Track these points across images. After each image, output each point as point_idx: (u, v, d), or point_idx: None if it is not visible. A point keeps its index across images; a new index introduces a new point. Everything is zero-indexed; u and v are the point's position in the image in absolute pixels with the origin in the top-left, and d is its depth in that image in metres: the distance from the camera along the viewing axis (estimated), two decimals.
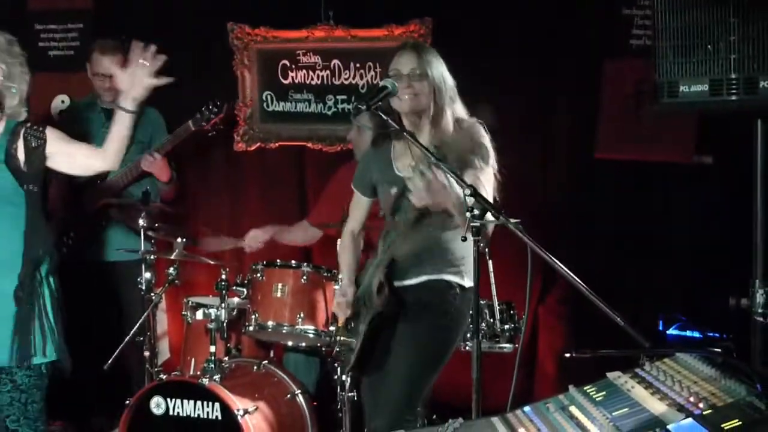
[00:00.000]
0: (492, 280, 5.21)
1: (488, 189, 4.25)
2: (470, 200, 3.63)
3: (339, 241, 4.77)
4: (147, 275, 5.87)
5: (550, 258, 3.43)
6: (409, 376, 4.37)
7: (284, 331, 5.47)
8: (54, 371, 4.48)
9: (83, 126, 6.41)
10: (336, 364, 5.59)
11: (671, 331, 5.63)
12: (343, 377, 5.52)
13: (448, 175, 3.78)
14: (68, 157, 4.48)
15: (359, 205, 4.61)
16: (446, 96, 4.37)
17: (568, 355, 3.13)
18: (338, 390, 5.55)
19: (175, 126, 6.14)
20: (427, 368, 4.42)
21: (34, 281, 4.37)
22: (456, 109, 4.41)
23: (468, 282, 4.39)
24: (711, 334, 5.44)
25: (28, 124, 4.41)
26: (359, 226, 4.64)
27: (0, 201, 4.32)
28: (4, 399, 4.35)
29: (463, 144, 4.30)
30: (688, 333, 5.59)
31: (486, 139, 4.38)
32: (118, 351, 5.68)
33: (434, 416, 5.46)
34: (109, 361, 5.54)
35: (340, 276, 4.62)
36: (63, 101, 7.06)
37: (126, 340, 5.73)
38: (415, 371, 4.39)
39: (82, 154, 4.53)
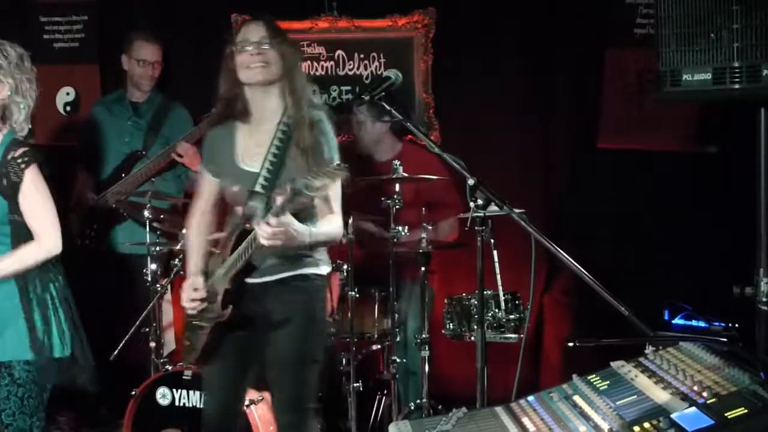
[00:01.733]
0: (497, 270, 5.18)
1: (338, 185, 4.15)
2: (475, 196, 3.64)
3: (186, 225, 4.52)
4: (152, 266, 5.91)
5: (554, 248, 3.43)
6: (305, 380, 4.21)
7: None
8: (72, 366, 4.50)
9: (111, 120, 6.45)
10: (341, 355, 5.61)
11: (677, 321, 5.62)
12: (349, 368, 5.55)
13: (453, 164, 3.76)
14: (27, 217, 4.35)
15: (209, 186, 4.33)
16: (299, 70, 4.29)
17: (571, 344, 3.14)
18: (343, 380, 5.57)
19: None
20: (313, 364, 4.24)
21: (43, 281, 4.38)
22: (308, 92, 4.28)
23: (324, 269, 4.31)
24: (717, 323, 5.43)
25: (16, 153, 4.29)
26: (208, 206, 4.34)
27: None
28: (2, 392, 4.35)
29: (312, 130, 4.16)
30: (694, 322, 5.58)
31: (332, 132, 4.26)
32: (123, 342, 5.69)
33: (440, 407, 5.47)
34: (115, 352, 5.56)
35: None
36: (68, 93, 7.07)
37: (131, 331, 5.74)
38: (309, 372, 4.22)
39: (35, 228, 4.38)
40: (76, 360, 4.46)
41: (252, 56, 4.12)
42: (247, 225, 4.03)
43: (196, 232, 4.36)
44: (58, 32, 7.25)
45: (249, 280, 4.17)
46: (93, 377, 4.55)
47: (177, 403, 5.33)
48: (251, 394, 5.20)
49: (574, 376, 2.96)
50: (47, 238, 4.30)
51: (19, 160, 4.24)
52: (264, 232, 3.76)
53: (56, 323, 4.38)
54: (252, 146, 4.21)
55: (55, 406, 4.64)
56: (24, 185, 4.24)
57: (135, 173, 6.31)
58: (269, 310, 4.19)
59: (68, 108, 7.10)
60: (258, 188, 4.11)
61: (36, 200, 4.28)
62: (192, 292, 4.17)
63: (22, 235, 4.32)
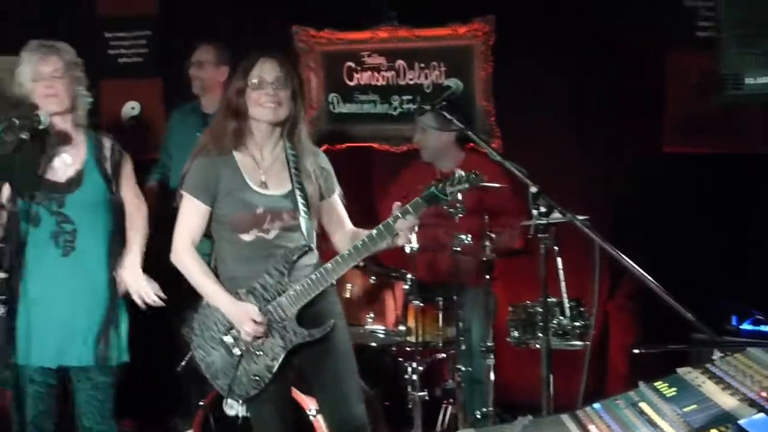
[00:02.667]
0: (561, 277, 5.18)
1: None
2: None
3: (178, 259, 4.31)
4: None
5: (618, 254, 3.42)
6: (353, 370, 4.34)
7: (354, 332, 5.48)
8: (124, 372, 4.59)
9: (183, 128, 6.52)
10: (406, 364, 5.62)
11: (745, 326, 5.56)
12: (414, 377, 5.55)
13: (515, 171, 3.77)
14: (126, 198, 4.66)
15: (200, 214, 4.27)
16: (301, 105, 4.37)
17: (637, 350, 3.13)
18: (409, 389, 5.58)
19: None
20: (354, 363, 4.37)
21: (108, 289, 4.50)
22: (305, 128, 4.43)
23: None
24: None
25: (112, 139, 4.59)
26: (199, 236, 4.31)
27: (95, 205, 4.45)
28: (80, 397, 4.45)
29: (316, 158, 4.39)
30: (763, 328, 5.52)
31: (331, 167, 4.50)
32: (191, 352, 5.73)
33: (505, 415, 5.46)
34: (182, 363, 5.60)
35: (212, 296, 4.28)
36: (133, 107, 7.16)
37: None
38: (352, 361, 4.35)
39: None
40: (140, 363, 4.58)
41: (267, 95, 4.20)
42: (310, 245, 4.23)
43: (199, 262, 4.30)
44: (122, 47, 7.35)
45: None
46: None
47: (244, 414, 5.36)
48: (317, 404, 5.22)
49: (641, 383, 2.94)
50: (143, 206, 4.74)
51: (117, 146, 4.68)
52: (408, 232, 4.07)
53: (126, 329, 4.51)
54: (255, 172, 4.29)
55: (120, 415, 4.71)
56: (126, 166, 4.68)
57: None
58: (316, 312, 4.27)
59: (133, 121, 7.19)
60: (302, 211, 4.24)
61: (132, 178, 4.72)
62: (253, 324, 4.16)
63: (117, 212, 4.56)
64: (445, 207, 4.18)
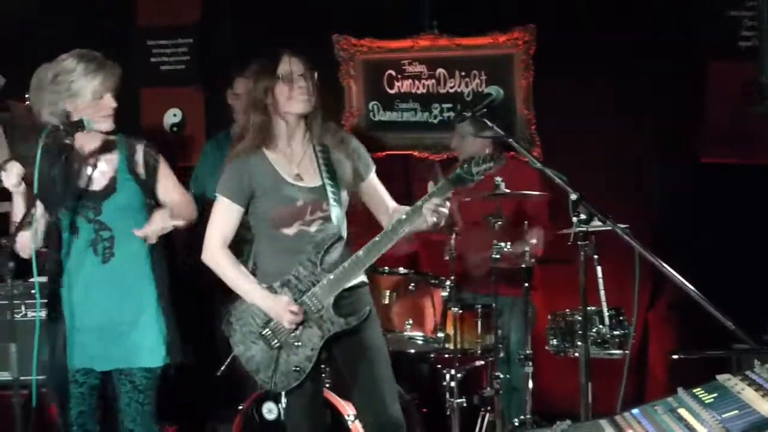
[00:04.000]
0: (601, 285, 5.17)
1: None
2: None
3: (211, 258, 4.35)
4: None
5: (659, 262, 3.42)
6: (389, 370, 4.32)
7: (393, 338, 5.50)
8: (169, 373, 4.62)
9: (218, 153, 6.57)
10: (444, 371, 5.62)
11: None
12: (452, 384, 5.57)
13: (556, 179, 3.78)
14: (167, 193, 4.65)
15: (232, 214, 4.32)
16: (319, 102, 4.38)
17: (675, 356, 3.12)
18: (447, 396, 5.59)
19: None
20: (389, 363, 4.35)
21: (164, 289, 4.55)
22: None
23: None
24: None
25: (145, 142, 4.60)
26: (231, 235, 4.35)
27: (131, 210, 4.49)
28: (123, 400, 4.50)
29: (348, 149, 4.39)
30: None
31: (364, 149, 4.48)
32: (231, 357, 5.77)
33: (543, 422, 5.46)
34: (222, 367, 5.63)
35: (253, 292, 4.29)
36: (175, 115, 7.21)
37: None
38: (387, 362, 4.33)
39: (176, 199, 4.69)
40: (179, 367, 4.60)
41: (300, 87, 4.24)
42: (341, 235, 4.26)
43: (233, 260, 4.34)
44: (164, 55, 7.41)
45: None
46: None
47: (283, 418, 5.38)
48: (355, 409, 5.24)
49: (680, 389, 2.94)
50: (191, 201, 4.71)
51: (150, 149, 4.61)
52: (444, 208, 4.05)
53: (171, 329, 4.54)
54: (288, 166, 4.32)
55: (164, 418, 4.74)
56: (161, 166, 4.61)
57: None
58: (350, 306, 4.27)
59: (175, 129, 7.24)
60: (332, 201, 4.25)
61: (171, 178, 4.66)
62: (291, 315, 4.19)
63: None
64: (470, 186, 4.15)
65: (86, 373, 4.51)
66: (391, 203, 4.45)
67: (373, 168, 4.46)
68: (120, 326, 4.47)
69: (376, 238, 4.15)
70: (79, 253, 4.48)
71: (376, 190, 4.46)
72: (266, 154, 4.30)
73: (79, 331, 4.47)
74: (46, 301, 4.59)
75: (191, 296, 6.29)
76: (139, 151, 4.56)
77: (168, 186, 4.63)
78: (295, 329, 4.21)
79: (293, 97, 4.23)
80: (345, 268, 4.17)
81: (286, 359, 4.23)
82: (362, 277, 4.36)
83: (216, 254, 4.32)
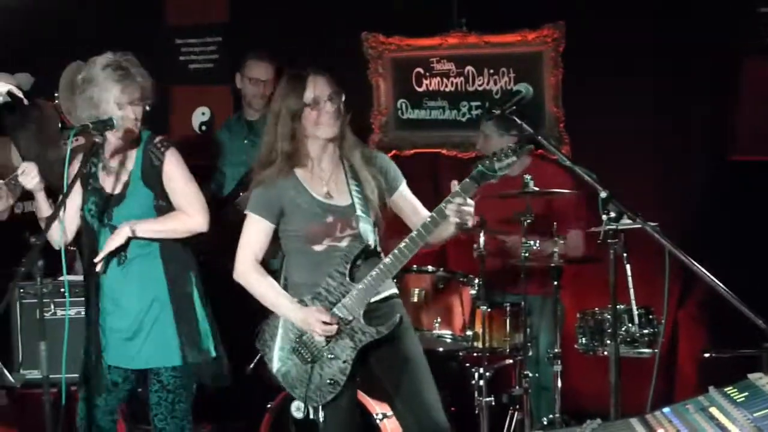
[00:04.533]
0: (630, 284, 5.15)
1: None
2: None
3: (242, 275, 4.37)
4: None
5: (689, 260, 3.40)
6: (430, 376, 4.32)
7: (421, 336, 5.49)
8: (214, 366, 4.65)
9: (231, 138, 6.58)
10: (473, 370, 5.61)
11: None
12: (481, 383, 5.55)
13: (585, 177, 3.76)
14: (173, 194, 4.59)
15: (263, 232, 4.32)
16: (347, 119, 4.35)
17: (707, 354, 3.10)
18: (475, 394, 5.57)
19: None
20: (428, 369, 4.35)
21: (184, 289, 4.54)
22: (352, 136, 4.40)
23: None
24: None
25: (155, 140, 4.55)
26: (261, 253, 4.35)
27: (142, 216, 4.48)
28: (152, 399, 4.52)
29: (375, 167, 4.37)
30: None
31: (391, 161, 4.50)
32: (259, 355, 5.77)
33: (572, 422, 5.44)
34: (251, 365, 5.64)
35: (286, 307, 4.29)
36: (203, 113, 7.23)
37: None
38: (428, 370, 4.33)
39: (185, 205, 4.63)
40: (220, 359, 4.61)
41: (326, 113, 4.21)
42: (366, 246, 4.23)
43: (264, 276, 4.33)
44: (193, 53, 7.44)
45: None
46: (227, 376, 4.67)
47: (311, 416, 5.38)
48: (383, 407, 5.24)
49: (711, 388, 2.92)
50: (195, 213, 4.55)
51: (158, 145, 4.53)
52: (467, 207, 4.04)
53: (201, 324, 4.54)
54: (319, 184, 4.31)
55: (198, 417, 4.77)
56: (166, 166, 4.52)
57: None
58: (383, 322, 4.24)
59: (203, 127, 7.27)
60: (361, 213, 4.24)
61: (179, 179, 4.55)
62: (323, 326, 4.16)
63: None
64: (494, 182, 4.13)
65: (113, 370, 4.54)
66: (424, 212, 4.38)
67: (403, 181, 4.44)
68: (141, 327, 4.49)
69: (402, 244, 4.14)
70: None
71: (408, 201, 4.44)
72: (296, 174, 4.29)
73: (105, 330, 4.50)
74: (76, 299, 4.63)
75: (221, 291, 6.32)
76: (153, 152, 4.53)
77: (171, 186, 4.55)
78: (328, 341, 4.20)
79: (321, 122, 4.21)
80: (373, 276, 4.16)
81: (320, 372, 4.23)
82: (393, 289, 4.37)
83: (246, 272, 4.34)
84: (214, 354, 4.61)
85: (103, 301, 4.52)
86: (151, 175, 4.50)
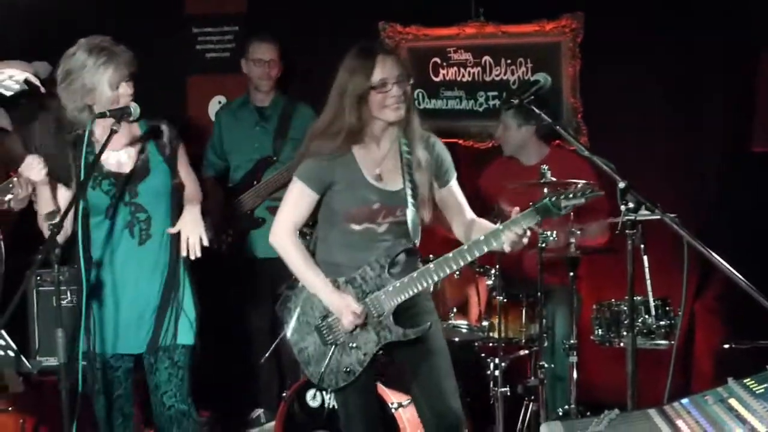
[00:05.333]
0: (647, 275, 5.14)
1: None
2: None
3: (278, 239, 4.28)
4: None
5: (708, 251, 3.38)
6: (450, 367, 4.31)
7: None
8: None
9: (237, 125, 6.58)
10: (489, 360, 5.61)
11: None
12: (496, 373, 5.55)
13: (603, 167, 3.75)
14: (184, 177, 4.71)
15: (308, 201, 4.25)
16: (413, 101, 4.34)
17: (726, 345, 3.09)
18: (491, 385, 5.57)
19: None
20: (449, 359, 4.33)
21: (179, 275, 4.57)
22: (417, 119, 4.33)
23: None
24: None
25: (167, 124, 4.64)
26: (301, 224, 4.31)
27: (164, 191, 4.53)
28: (161, 376, 4.53)
29: (428, 149, 4.31)
30: None
31: (445, 148, 4.43)
32: (274, 345, 5.80)
33: (588, 413, 5.43)
34: (266, 355, 5.65)
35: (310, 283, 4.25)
36: (220, 102, 7.22)
37: (281, 335, 5.81)
38: (449, 360, 4.32)
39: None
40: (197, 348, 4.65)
41: (393, 97, 4.12)
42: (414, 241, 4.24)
43: (301, 249, 4.28)
44: (210, 43, 7.43)
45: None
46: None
47: (327, 405, 5.40)
48: (399, 397, 5.24)
49: (730, 379, 2.91)
50: (199, 193, 4.75)
51: (173, 130, 4.68)
52: (525, 239, 3.99)
53: (196, 310, 4.58)
54: (373, 166, 4.24)
55: (200, 404, 4.78)
56: (181, 150, 4.68)
57: (269, 179, 6.39)
58: (412, 312, 4.24)
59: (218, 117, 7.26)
60: (410, 204, 4.19)
61: (186, 158, 4.72)
62: (352, 317, 4.14)
63: (178, 197, 4.63)
64: (554, 218, 4.12)
65: (120, 357, 4.55)
66: (470, 214, 4.38)
67: (455, 175, 4.39)
68: (157, 305, 4.51)
69: (449, 255, 4.09)
70: (113, 236, 4.52)
71: (455, 197, 4.40)
72: (353, 150, 4.21)
73: (112, 316, 4.50)
74: (75, 288, 4.64)
75: (233, 280, 6.33)
76: (165, 132, 4.60)
77: (183, 168, 4.68)
78: (353, 330, 4.18)
79: (387, 105, 4.12)
80: (413, 277, 4.12)
81: (338, 358, 4.21)
82: (428, 287, 4.30)
83: (284, 238, 4.26)
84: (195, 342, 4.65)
85: (113, 287, 4.51)
86: (170, 155, 4.60)
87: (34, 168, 4.41)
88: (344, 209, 4.20)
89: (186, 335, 4.54)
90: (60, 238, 4.41)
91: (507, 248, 3.99)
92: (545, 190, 5.43)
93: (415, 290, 4.13)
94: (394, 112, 4.14)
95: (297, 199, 4.25)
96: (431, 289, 4.41)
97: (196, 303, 4.60)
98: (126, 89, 4.47)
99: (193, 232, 4.48)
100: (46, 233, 4.37)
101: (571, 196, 3.94)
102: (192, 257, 4.48)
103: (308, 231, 4.47)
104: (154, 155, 4.55)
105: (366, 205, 4.18)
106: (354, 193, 4.19)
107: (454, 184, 4.39)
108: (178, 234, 4.52)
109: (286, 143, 6.46)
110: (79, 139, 4.41)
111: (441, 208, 4.39)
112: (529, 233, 4.00)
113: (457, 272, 5.56)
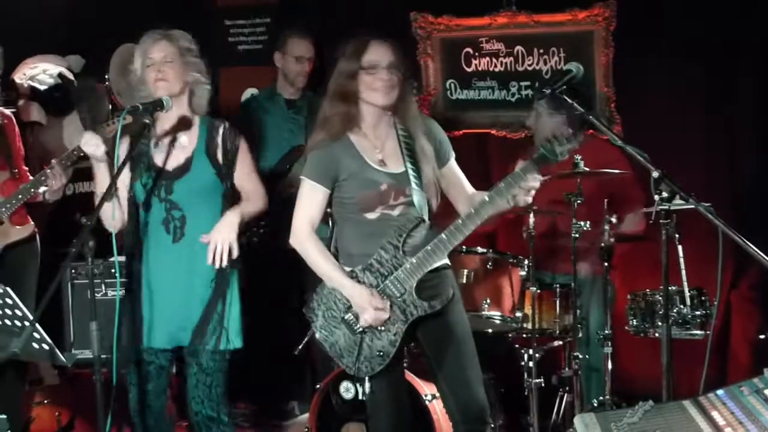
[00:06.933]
0: (682, 265, 5.10)
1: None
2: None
3: (298, 242, 4.33)
4: None
5: (743, 240, 3.36)
6: (474, 353, 4.32)
7: (470, 317, 5.47)
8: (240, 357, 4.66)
9: (266, 118, 6.59)
10: (523, 351, 5.60)
11: None
12: (530, 364, 5.54)
13: (637, 156, 3.72)
14: (242, 179, 4.67)
15: (319, 198, 4.30)
16: (411, 88, 4.37)
17: (762, 336, 3.06)
18: (525, 376, 5.56)
19: None
20: (473, 346, 4.35)
21: (225, 280, 4.55)
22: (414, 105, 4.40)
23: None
24: None
25: (227, 125, 4.60)
26: (318, 220, 4.34)
27: (203, 192, 4.51)
28: (190, 381, 4.54)
29: (428, 133, 4.35)
30: None
31: (443, 131, 4.47)
32: (308, 336, 5.79)
33: (623, 404, 5.41)
34: (299, 347, 5.65)
35: (335, 281, 4.28)
36: (252, 94, 7.24)
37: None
38: (472, 346, 4.34)
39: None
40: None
41: (381, 80, 4.20)
42: (423, 218, 4.23)
43: (320, 246, 4.32)
44: (242, 35, 7.45)
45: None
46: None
47: (360, 397, 5.40)
48: (432, 388, 5.23)
49: (766, 370, 2.89)
50: (262, 197, 4.71)
51: (232, 131, 4.63)
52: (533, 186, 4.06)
53: (238, 315, 4.56)
54: (373, 151, 4.30)
55: (235, 397, 4.78)
56: (240, 152, 4.63)
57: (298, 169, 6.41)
58: (436, 296, 4.24)
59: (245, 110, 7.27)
60: (414, 186, 4.23)
61: (250, 165, 4.68)
62: (374, 312, 4.17)
63: (228, 199, 4.62)
64: (552, 165, 4.15)
65: (155, 352, 4.56)
66: (470, 189, 4.42)
67: (453, 155, 4.44)
68: (188, 307, 4.50)
69: (459, 221, 4.13)
70: (153, 231, 4.53)
71: (455, 175, 4.44)
72: (351, 139, 4.28)
73: (149, 311, 4.51)
74: (125, 279, 4.66)
75: (269, 272, 6.33)
76: (220, 132, 4.58)
77: (243, 173, 4.64)
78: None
79: (374, 88, 4.21)
80: (428, 251, 4.15)
81: (369, 344, 4.22)
82: (445, 260, 4.33)
83: (303, 239, 4.32)
84: (241, 345, 4.62)
85: (151, 276, 4.53)
86: (224, 159, 4.57)
87: (91, 143, 4.44)
88: (355, 197, 4.26)
89: (215, 340, 4.51)
90: (115, 228, 4.45)
91: (521, 200, 4.08)
92: (578, 179, 5.42)
93: (434, 262, 4.18)
94: (382, 96, 4.22)
95: (309, 198, 4.31)
96: (451, 272, 4.42)
97: (240, 309, 4.59)
98: (151, 74, 4.50)
99: (222, 240, 4.46)
100: (105, 212, 4.44)
101: (565, 141, 4.04)
102: (216, 266, 4.48)
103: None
104: (200, 154, 4.54)
105: (374, 188, 4.23)
106: (360, 179, 4.25)
107: (453, 163, 4.45)
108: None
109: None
110: (146, 128, 4.46)
111: (444, 188, 4.42)
112: (536, 186, 4.07)
113: (490, 263, 5.57)
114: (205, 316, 4.50)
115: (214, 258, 4.43)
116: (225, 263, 4.45)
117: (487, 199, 4.08)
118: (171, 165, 4.54)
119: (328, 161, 4.26)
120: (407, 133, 4.31)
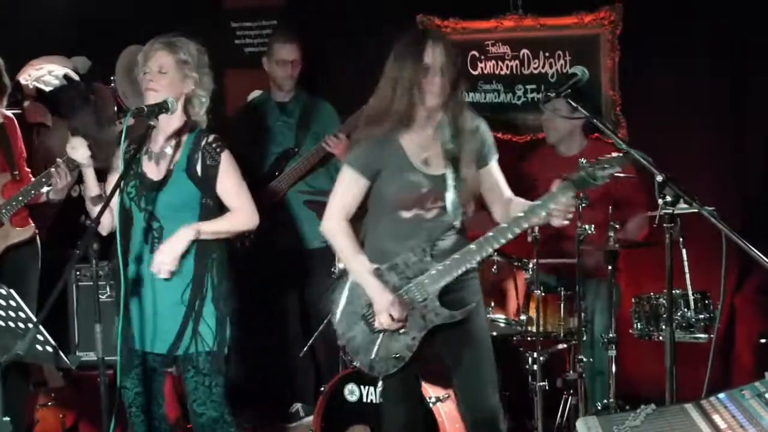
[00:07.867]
0: (686, 269, 5.11)
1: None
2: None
3: (328, 227, 4.35)
4: (341, 265, 5.99)
5: (746, 244, 3.36)
6: (491, 360, 4.35)
7: None
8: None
9: (259, 123, 6.59)
10: (527, 354, 5.60)
11: None
12: (535, 367, 5.53)
13: (641, 161, 3.72)
14: (224, 195, 4.60)
15: (359, 188, 4.30)
16: (463, 88, 4.33)
17: (764, 340, 3.07)
18: (529, 379, 5.56)
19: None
20: (491, 352, 4.37)
21: (203, 283, 4.53)
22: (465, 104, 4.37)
23: None
24: None
25: (209, 139, 4.54)
26: (354, 209, 4.33)
27: (181, 206, 4.49)
28: (189, 385, 4.54)
29: (475, 135, 4.32)
30: None
31: (491, 136, 4.43)
32: (313, 338, 5.81)
33: (627, 407, 5.41)
34: (305, 348, 5.66)
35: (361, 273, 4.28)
36: (253, 98, 7.25)
37: (320, 328, 5.84)
38: (490, 351, 4.37)
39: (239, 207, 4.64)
40: (228, 356, 4.63)
41: (438, 83, 4.16)
42: (455, 224, 4.24)
43: (352, 238, 4.32)
44: (248, 37, 7.48)
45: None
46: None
47: (365, 400, 5.41)
48: (437, 391, 5.24)
49: (767, 373, 2.89)
50: (248, 213, 4.59)
51: (214, 145, 4.53)
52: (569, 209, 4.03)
53: (212, 318, 4.55)
54: (419, 151, 4.28)
55: (239, 400, 4.78)
56: (222, 167, 4.52)
57: (288, 171, 6.42)
58: (458, 298, 4.25)
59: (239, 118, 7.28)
60: (451, 190, 4.21)
61: (233, 181, 4.56)
62: (390, 320, 4.17)
63: (209, 214, 4.55)
64: (592, 189, 4.14)
65: (138, 355, 4.56)
66: (508, 193, 4.40)
67: (495, 156, 4.41)
68: (168, 316, 4.50)
69: (490, 233, 4.12)
70: (136, 239, 4.53)
71: (493, 178, 4.41)
72: (399, 137, 4.26)
73: (135, 315, 4.52)
74: (114, 283, 4.67)
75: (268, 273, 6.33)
76: (203, 146, 4.52)
77: (225, 188, 4.56)
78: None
79: (429, 91, 4.17)
80: (455, 259, 4.15)
81: (386, 345, 4.24)
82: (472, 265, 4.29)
83: (334, 225, 4.33)
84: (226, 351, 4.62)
85: (135, 286, 4.52)
86: (202, 174, 4.51)
87: (78, 149, 4.46)
88: (393, 195, 4.24)
89: (205, 342, 4.51)
90: (104, 230, 4.46)
91: (556, 222, 4.04)
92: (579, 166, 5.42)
93: (459, 272, 4.15)
94: (435, 98, 4.18)
95: (348, 185, 4.31)
96: (477, 277, 4.40)
97: (218, 308, 4.56)
98: (144, 82, 4.50)
99: (158, 263, 4.44)
100: (93, 215, 4.43)
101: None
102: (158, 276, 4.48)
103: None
104: (179, 168, 4.51)
105: (415, 190, 4.22)
106: (402, 178, 4.23)
107: (494, 164, 4.41)
108: (203, 243, 4.50)
109: (308, 136, 6.49)
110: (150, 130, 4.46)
111: (481, 188, 4.39)
112: (572, 208, 4.06)
113: (495, 266, 5.56)
114: (182, 323, 4.50)
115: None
116: (164, 275, 4.44)
117: (521, 215, 4.06)
118: (154, 176, 4.53)
119: (374, 155, 4.25)
120: (455, 134, 4.27)
